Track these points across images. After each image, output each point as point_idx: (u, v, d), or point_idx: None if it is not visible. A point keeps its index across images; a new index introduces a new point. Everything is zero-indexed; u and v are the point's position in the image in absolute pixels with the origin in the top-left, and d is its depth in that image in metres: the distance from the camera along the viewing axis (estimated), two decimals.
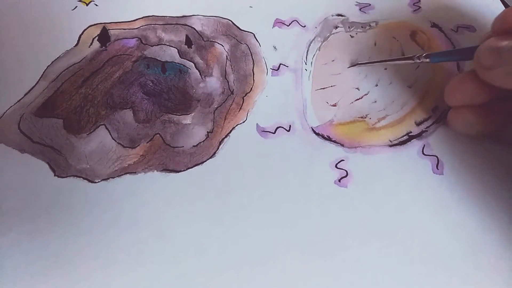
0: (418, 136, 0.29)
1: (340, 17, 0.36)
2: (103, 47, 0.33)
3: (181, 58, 0.33)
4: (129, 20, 0.35)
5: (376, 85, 0.32)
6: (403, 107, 0.31)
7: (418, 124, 0.30)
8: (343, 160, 0.28)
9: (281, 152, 0.29)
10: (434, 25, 0.35)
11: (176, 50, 0.33)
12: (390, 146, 0.29)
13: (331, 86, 0.32)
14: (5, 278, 0.24)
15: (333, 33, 0.35)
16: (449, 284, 0.24)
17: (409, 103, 0.31)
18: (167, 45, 0.34)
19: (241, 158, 0.29)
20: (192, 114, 0.30)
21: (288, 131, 0.30)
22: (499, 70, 0.23)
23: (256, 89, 0.32)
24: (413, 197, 0.27)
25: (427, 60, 0.28)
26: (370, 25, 0.35)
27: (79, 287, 0.24)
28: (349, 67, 0.33)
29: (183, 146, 0.29)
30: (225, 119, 0.30)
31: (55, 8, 0.36)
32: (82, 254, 0.25)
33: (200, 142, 0.29)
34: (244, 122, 0.30)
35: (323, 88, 0.32)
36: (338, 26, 0.35)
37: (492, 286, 0.24)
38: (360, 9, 0.36)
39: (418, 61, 0.29)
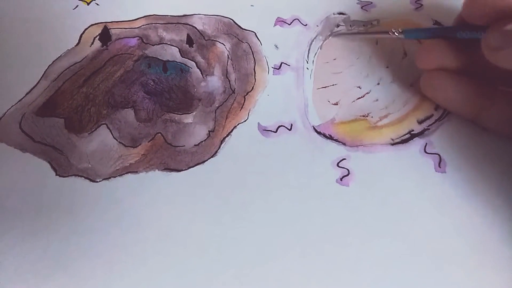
0: (420, 134, 0.29)
1: (341, 15, 0.36)
2: (104, 46, 0.33)
3: (182, 57, 0.33)
4: (130, 19, 0.35)
5: (378, 84, 0.32)
6: (405, 105, 0.31)
7: (420, 122, 0.30)
8: (344, 159, 0.28)
9: (283, 151, 0.29)
10: (436, 22, 0.35)
11: (177, 49, 0.33)
12: (392, 144, 0.29)
13: (333, 85, 0.32)
14: (7, 278, 0.24)
15: (335, 32, 0.35)
16: (452, 283, 0.24)
17: (411, 101, 0.31)
18: (168, 44, 0.34)
19: (242, 157, 0.28)
20: (194, 113, 0.30)
21: (290, 130, 0.30)
22: (506, 51, 0.24)
23: (258, 88, 0.32)
24: (415, 195, 0.27)
25: (402, 36, 0.31)
26: (371, 23, 0.35)
27: (81, 286, 0.24)
28: (331, 35, 0.35)
29: (184, 145, 0.29)
30: (226, 118, 0.30)
31: (56, 7, 0.36)
32: (83, 253, 0.25)
33: (202, 141, 0.29)
34: (245, 121, 0.30)
35: (325, 87, 0.32)
36: (340, 25, 0.35)
37: (495, 284, 0.24)
38: (361, 7, 0.36)
39: (393, 35, 0.31)
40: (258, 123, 0.30)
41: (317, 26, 0.35)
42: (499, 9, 0.24)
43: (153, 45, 0.34)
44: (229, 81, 0.32)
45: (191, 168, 0.28)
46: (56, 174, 0.28)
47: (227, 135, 0.29)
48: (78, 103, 0.30)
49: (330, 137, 0.29)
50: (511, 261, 0.24)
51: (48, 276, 0.24)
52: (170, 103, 0.31)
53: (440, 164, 0.28)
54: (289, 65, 0.33)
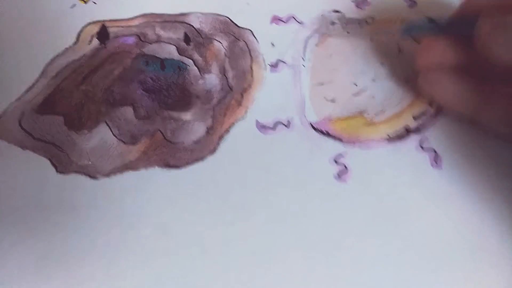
0: (416, 130, 0.30)
1: (336, 13, 0.36)
2: (102, 45, 0.33)
3: (180, 55, 0.33)
4: (128, 17, 0.35)
5: (374, 80, 0.32)
6: (401, 101, 0.31)
7: (416, 118, 0.30)
8: (342, 155, 0.29)
9: (281, 148, 0.29)
10: (430, 20, 0.35)
11: (175, 47, 0.34)
12: (389, 140, 0.29)
13: (329, 82, 0.32)
14: (8, 276, 0.24)
15: (330, 29, 0.35)
16: (449, 280, 0.24)
17: (407, 97, 0.31)
18: (166, 42, 0.34)
19: (241, 154, 0.29)
20: (192, 110, 0.31)
21: (287, 127, 0.30)
22: (499, 40, 0.24)
23: (255, 85, 0.32)
24: (412, 191, 0.27)
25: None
26: (366, 21, 0.36)
27: (81, 283, 0.24)
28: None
29: (183, 142, 0.29)
30: (224, 116, 0.30)
31: (54, 5, 0.36)
32: (83, 250, 0.25)
33: (200, 138, 0.29)
34: (243, 118, 0.30)
35: (321, 84, 0.32)
36: (335, 23, 0.36)
37: (492, 281, 0.24)
38: (356, 5, 0.37)
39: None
40: (256, 120, 0.30)
41: (313, 24, 0.35)
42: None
43: (150, 43, 0.34)
44: (227, 78, 0.32)
45: (190, 165, 0.28)
46: (57, 171, 0.28)
47: (225, 132, 0.30)
48: (77, 101, 0.30)
49: (327, 134, 0.30)
50: (508, 257, 0.25)
51: (49, 273, 0.24)
52: (168, 100, 0.31)
53: (436, 159, 0.28)
54: (285, 63, 0.33)
